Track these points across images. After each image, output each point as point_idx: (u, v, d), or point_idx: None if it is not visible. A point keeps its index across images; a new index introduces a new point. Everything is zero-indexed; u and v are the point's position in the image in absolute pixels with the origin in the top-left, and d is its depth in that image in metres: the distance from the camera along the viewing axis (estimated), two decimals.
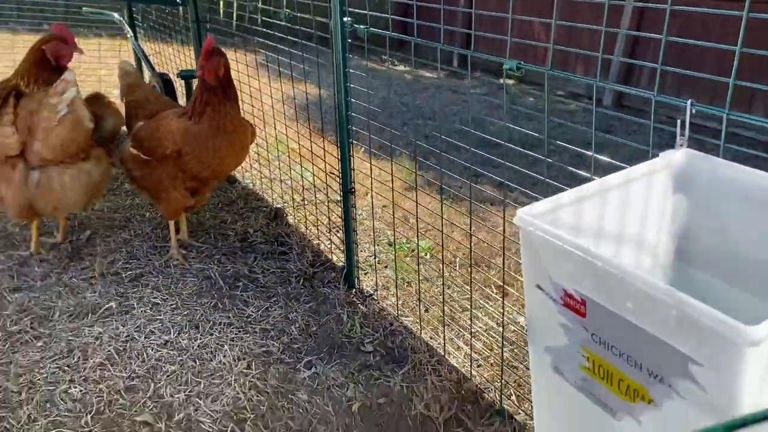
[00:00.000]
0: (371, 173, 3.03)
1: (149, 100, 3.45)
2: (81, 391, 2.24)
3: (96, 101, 3.30)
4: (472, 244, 2.46)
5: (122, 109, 3.47)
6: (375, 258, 3.42)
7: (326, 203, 3.56)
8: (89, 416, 2.14)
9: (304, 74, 3.51)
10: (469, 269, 2.60)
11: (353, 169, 3.08)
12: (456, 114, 6.44)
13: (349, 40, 2.81)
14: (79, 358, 2.43)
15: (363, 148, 3.27)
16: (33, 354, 2.44)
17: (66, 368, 2.38)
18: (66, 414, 2.15)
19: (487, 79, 7.96)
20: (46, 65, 3.18)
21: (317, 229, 3.66)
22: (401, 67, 8.79)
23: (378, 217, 4.01)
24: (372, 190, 3.48)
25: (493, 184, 4.23)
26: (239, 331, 2.72)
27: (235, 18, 4.82)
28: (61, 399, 2.19)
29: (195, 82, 4.68)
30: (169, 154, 3.05)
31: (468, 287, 3.19)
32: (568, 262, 1.13)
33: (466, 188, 4.17)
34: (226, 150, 3.09)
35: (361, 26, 2.71)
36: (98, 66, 5.72)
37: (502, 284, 2.51)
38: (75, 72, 2.94)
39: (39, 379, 2.27)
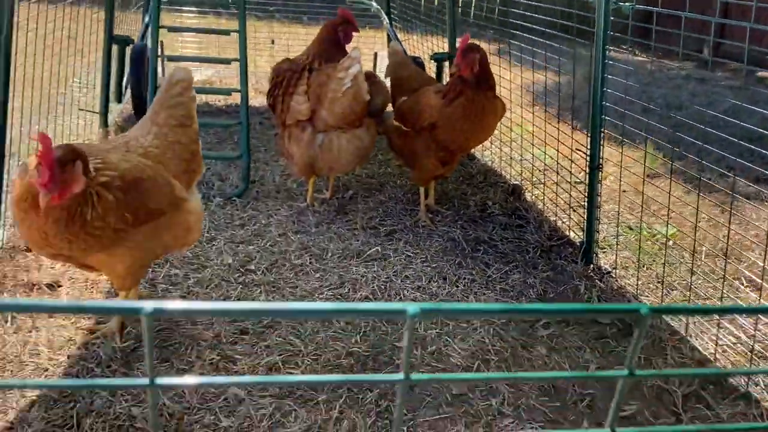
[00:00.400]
0: (621, 155, 3.09)
1: (413, 77, 3.83)
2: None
3: (368, 79, 3.75)
4: (723, 236, 2.43)
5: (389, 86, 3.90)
6: (617, 237, 3.46)
7: (569, 181, 3.66)
8: (358, 336, 2.53)
9: (545, 62, 3.68)
10: (724, 259, 2.57)
11: (602, 145, 3.17)
12: (708, 105, 6.08)
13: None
14: (349, 289, 2.85)
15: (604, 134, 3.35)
16: (313, 282, 2.91)
17: (339, 296, 2.82)
18: (340, 331, 2.55)
19: (741, 71, 7.33)
20: (335, 44, 3.70)
21: (555, 206, 3.78)
22: (641, 57, 8.42)
23: (616, 201, 4.01)
24: (621, 171, 3.51)
25: (749, 178, 3.99)
26: (481, 287, 2.97)
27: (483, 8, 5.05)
28: (337, 320, 2.61)
29: (446, 64, 5.01)
30: (425, 127, 3.40)
31: (713, 276, 3.11)
32: None
33: (716, 179, 4.01)
34: (472, 132, 3.40)
35: (626, 3, 2.77)
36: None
37: (761, 278, 2.45)
38: (358, 50, 3.39)
39: (319, 302, 2.71)
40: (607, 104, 3.12)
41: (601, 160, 3.17)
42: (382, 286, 2.90)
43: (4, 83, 2.81)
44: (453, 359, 2.44)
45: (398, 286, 2.92)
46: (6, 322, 2.45)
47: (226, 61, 4.27)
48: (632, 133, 3.72)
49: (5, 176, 2.87)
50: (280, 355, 2.39)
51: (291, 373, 2.29)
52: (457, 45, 3.39)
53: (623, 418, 2.29)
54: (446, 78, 4.88)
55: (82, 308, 0.57)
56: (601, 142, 3.17)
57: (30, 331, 2.41)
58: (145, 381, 0.58)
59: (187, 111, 2.45)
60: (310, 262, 3.08)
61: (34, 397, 2.08)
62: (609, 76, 3.12)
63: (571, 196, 3.60)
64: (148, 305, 0.52)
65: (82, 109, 4.55)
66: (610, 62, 3.14)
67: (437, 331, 2.59)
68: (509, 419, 2.17)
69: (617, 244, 3.43)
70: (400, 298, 2.80)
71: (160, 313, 0.52)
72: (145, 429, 2.00)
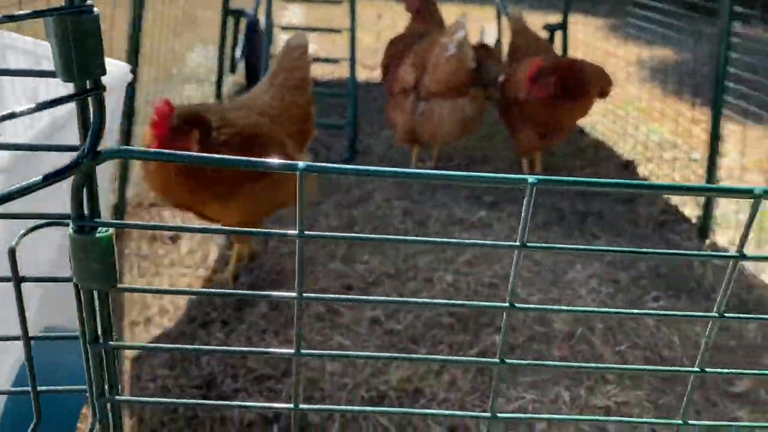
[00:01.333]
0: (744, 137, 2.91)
1: (530, 45, 3.75)
2: (453, 278, 2.65)
3: (482, 49, 3.73)
4: None
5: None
6: (737, 214, 3.27)
7: (690, 158, 3.50)
8: (461, 297, 2.54)
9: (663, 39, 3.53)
10: None
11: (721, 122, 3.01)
12: None
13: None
14: (451, 253, 2.87)
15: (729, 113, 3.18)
16: (415, 246, 2.94)
17: (442, 260, 2.84)
18: (442, 292, 2.58)
19: None
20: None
21: (671, 181, 3.62)
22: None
23: (736, 179, 3.78)
24: (744, 149, 3.31)
25: None
26: (588, 257, 2.89)
27: None
28: (438, 281, 2.63)
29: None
30: (518, 99, 3.36)
31: None
32: None
33: None
34: (559, 119, 3.41)
35: None
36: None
37: None
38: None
39: (422, 264, 2.74)
40: (731, 84, 2.96)
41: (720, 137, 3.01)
42: (483, 252, 2.89)
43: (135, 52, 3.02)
44: (556, 325, 2.41)
45: (501, 253, 2.90)
46: (132, 268, 2.66)
47: (337, 31, 4.36)
48: (758, 111, 3.51)
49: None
50: (383, 310, 2.44)
51: (393, 329, 2.34)
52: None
53: (735, 395, 2.19)
54: (559, 46, 4.73)
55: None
56: (721, 120, 3.02)
57: (153, 276, 2.60)
58: (291, 351, 0.65)
59: (304, 74, 2.55)
60: (412, 228, 3.11)
61: (158, 332, 2.25)
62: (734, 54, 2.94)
63: (686, 174, 3.44)
64: (302, 164, 0.56)
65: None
66: (736, 39, 2.97)
67: (539, 297, 2.56)
68: (612, 385, 2.12)
69: (737, 222, 3.24)
70: (501, 266, 2.78)
71: (312, 171, 0.56)
72: (251, 366, 2.11)
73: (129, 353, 2.17)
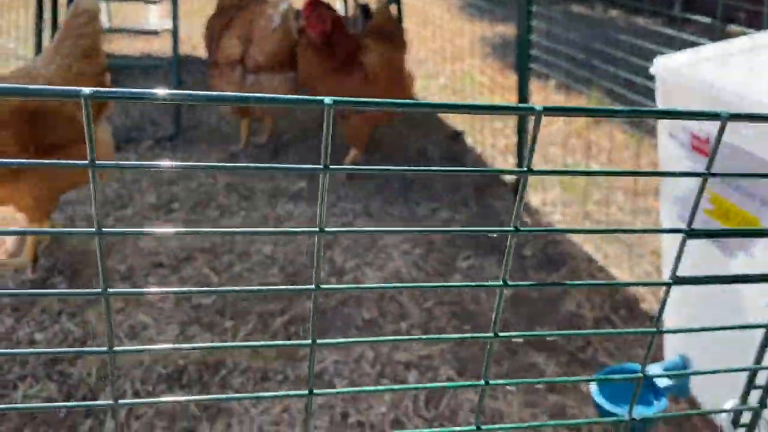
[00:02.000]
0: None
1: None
2: (271, 249, 2.63)
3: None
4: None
5: None
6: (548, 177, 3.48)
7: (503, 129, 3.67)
8: (276, 269, 2.53)
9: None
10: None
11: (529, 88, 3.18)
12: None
13: None
14: (274, 225, 2.85)
15: (553, 83, 3.36)
16: (236, 219, 2.89)
17: None
18: (258, 265, 2.55)
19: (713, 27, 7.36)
20: None
21: (494, 149, 3.80)
22: (614, 13, 8.44)
23: (558, 145, 4.03)
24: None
25: None
26: (406, 224, 2.98)
27: None
28: (255, 253, 2.60)
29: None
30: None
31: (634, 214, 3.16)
32: (696, 102, 1.18)
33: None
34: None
35: None
36: None
37: None
38: None
39: (239, 237, 2.70)
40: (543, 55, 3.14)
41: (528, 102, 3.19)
42: (305, 222, 2.90)
43: None
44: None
45: (323, 222, 2.91)
46: None
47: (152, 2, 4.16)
48: (578, 81, 3.76)
49: None
50: (195, 285, 2.38)
51: (200, 303, 2.29)
52: None
53: (533, 343, 2.34)
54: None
55: None
56: (528, 89, 3.20)
57: None
58: (98, 290, 0.59)
59: (93, 42, 2.39)
60: (236, 202, 3.06)
61: None
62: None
63: (505, 143, 3.62)
64: (86, 90, 0.50)
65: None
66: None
67: (356, 262, 2.60)
68: (419, 343, 2.20)
69: (550, 184, 3.46)
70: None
71: (97, 97, 0.51)
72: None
73: None
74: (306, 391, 0.67)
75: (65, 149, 2.23)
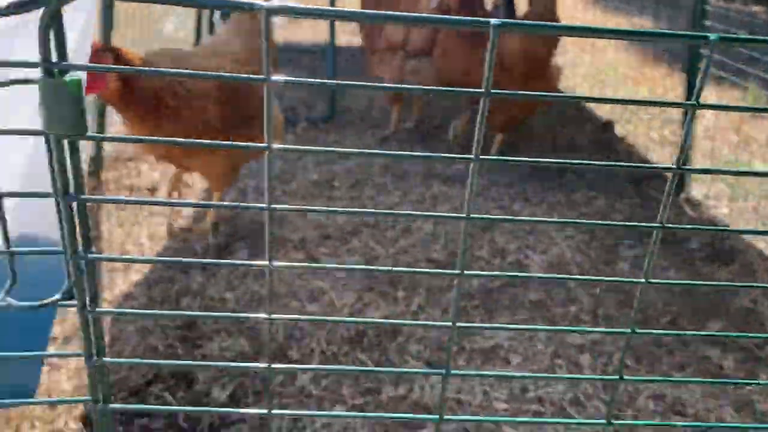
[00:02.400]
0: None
1: None
2: (432, 227, 2.68)
3: None
4: None
5: None
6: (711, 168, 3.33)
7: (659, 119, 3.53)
8: (438, 245, 2.57)
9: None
10: None
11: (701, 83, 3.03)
12: None
13: None
14: (429, 204, 2.89)
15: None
16: (393, 198, 2.96)
17: (422, 211, 2.86)
18: (421, 240, 2.60)
19: None
20: None
21: (649, 140, 3.66)
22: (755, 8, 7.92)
23: (714, 138, 3.83)
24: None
25: None
26: (564, 208, 2.93)
27: None
28: (417, 230, 2.66)
29: None
30: None
31: None
32: None
33: None
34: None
35: None
36: None
37: None
38: None
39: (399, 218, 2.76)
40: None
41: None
42: (464, 204, 2.92)
43: None
44: (532, 270, 2.45)
45: (480, 205, 2.93)
46: (110, 217, 2.65)
47: None
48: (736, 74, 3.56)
49: None
50: (363, 256, 2.47)
51: (374, 274, 2.37)
52: None
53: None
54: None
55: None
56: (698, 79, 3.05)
57: (133, 225, 2.60)
58: (265, 262, 0.66)
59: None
60: (392, 182, 3.13)
61: (138, 278, 2.26)
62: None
63: (662, 133, 3.48)
64: (263, 3, 0.57)
65: None
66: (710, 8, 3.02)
67: (518, 245, 2.59)
68: (587, 326, 2.16)
69: (711, 176, 3.30)
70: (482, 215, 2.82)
71: (276, 12, 0.57)
72: (233, 308, 2.13)
73: (108, 298, 2.18)
74: (443, 371, 0.70)
75: (254, 120, 2.37)
